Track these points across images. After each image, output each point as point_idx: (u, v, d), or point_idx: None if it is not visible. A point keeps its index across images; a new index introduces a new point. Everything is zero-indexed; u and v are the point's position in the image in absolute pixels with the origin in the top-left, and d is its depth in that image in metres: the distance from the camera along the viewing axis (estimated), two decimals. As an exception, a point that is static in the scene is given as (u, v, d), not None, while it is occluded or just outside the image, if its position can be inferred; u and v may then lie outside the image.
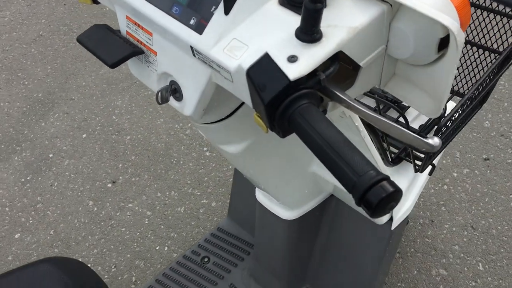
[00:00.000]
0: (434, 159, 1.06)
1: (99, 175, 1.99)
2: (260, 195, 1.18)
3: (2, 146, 2.15)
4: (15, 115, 2.27)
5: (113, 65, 0.69)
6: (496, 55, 1.07)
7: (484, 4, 1.04)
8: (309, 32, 0.56)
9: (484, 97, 1.03)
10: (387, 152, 1.07)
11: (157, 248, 1.73)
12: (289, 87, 0.54)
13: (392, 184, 0.47)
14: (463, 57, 1.13)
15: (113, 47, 0.72)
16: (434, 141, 0.60)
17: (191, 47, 0.64)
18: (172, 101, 0.74)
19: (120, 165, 2.02)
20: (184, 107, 0.72)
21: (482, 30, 1.06)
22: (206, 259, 1.40)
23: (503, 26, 1.03)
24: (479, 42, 1.09)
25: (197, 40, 0.63)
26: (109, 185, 1.95)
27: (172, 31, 0.67)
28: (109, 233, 1.79)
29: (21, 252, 1.76)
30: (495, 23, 1.05)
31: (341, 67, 0.62)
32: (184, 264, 1.43)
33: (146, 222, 1.81)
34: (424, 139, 0.60)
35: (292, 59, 0.55)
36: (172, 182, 1.94)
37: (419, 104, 0.69)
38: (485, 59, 1.09)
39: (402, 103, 1.19)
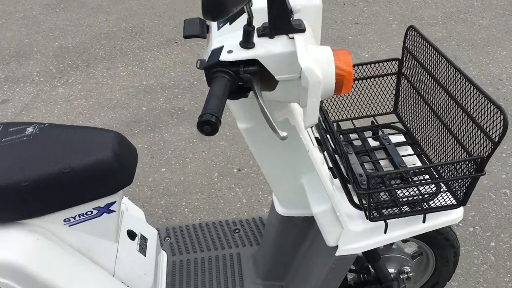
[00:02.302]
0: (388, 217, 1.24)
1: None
2: None
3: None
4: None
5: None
6: None
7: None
8: (244, 42, 0.97)
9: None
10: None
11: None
12: (217, 63, 0.97)
13: (205, 117, 0.86)
14: None
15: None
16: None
17: None
18: None
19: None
20: None
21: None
22: (237, 230, 1.80)
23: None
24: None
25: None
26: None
27: None
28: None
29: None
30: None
31: (268, 74, 1.00)
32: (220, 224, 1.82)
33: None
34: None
35: (229, 52, 0.97)
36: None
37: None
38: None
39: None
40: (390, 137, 1.57)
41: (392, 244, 1.61)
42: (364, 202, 1.24)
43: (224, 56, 0.96)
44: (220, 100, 0.90)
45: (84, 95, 3.20)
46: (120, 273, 1.40)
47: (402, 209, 1.28)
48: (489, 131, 1.14)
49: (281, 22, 0.97)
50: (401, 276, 1.61)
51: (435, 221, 1.33)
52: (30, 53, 3.78)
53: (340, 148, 1.23)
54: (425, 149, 1.44)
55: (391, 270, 1.61)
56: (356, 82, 1.61)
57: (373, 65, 1.57)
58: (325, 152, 1.35)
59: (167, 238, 1.78)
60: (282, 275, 1.57)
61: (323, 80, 0.93)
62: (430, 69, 1.38)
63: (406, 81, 1.53)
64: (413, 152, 1.47)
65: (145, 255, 1.50)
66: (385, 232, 1.30)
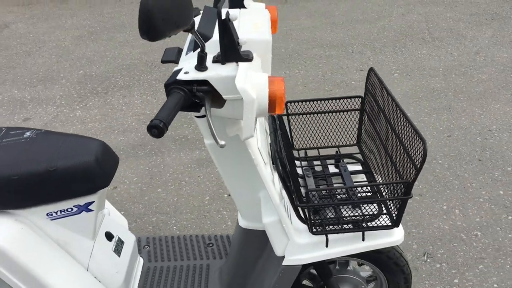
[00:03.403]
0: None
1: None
2: None
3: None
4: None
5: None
6: None
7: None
8: (198, 65, 1.17)
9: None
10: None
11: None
12: (174, 81, 1.17)
13: (154, 122, 1.05)
14: None
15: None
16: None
17: None
18: None
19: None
20: None
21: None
22: (211, 244, 1.95)
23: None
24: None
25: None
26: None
27: None
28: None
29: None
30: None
31: (218, 94, 1.19)
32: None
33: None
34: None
35: (185, 73, 1.17)
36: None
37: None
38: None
39: None
40: (349, 165, 1.73)
41: (347, 265, 1.74)
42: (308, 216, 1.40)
43: (181, 76, 1.16)
44: (171, 110, 1.09)
45: (99, 119, 3.46)
46: (94, 268, 1.57)
47: (344, 226, 1.43)
48: (415, 159, 1.30)
49: (231, 51, 1.17)
50: (353, 297, 1.73)
51: (375, 241, 1.47)
52: (57, 78, 4.10)
53: (286, 166, 1.39)
54: (375, 176, 1.61)
55: (345, 291, 1.73)
56: (323, 114, 1.79)
57: (341, 100, 1.75)
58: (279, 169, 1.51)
59: (146, 246, 1.94)
60: (243, 285, 1.71)
61: (257, 100, 1.12)
62: (382, 107, 1.55)
63: (367, 116, 1.71)
64: (365, 179, 1.63)
65: (119, 256, 1.67)
66: (326, 246, 1.45)
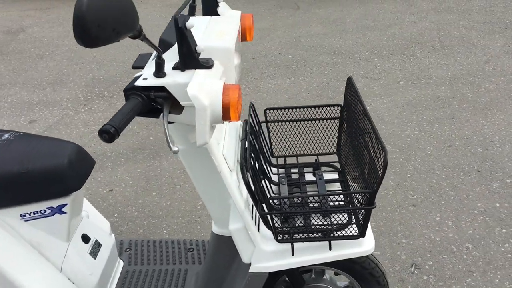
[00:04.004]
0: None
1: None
2: None
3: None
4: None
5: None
6: None
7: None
8: (156, 72, 1.19)
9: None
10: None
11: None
12: (133, 87, 1.18)
13: (105, 127, 1.06)
14: None
15: None
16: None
17: None
18: None
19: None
20: None
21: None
22: (192, 249, 1.96)
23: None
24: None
25: None
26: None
27: None
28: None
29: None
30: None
31: (176, 100, 1.20)
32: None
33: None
34: None
35: (144, 79, 1.19)
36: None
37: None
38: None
39: None
40: (327, 174, 1.72)
41: (323, 274, 1.73)
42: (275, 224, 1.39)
43: (139, 82, 1.18)
44: (125, 115, 1.11)
45: (102, 122, 3.51)
46: (67, 270, 1.60)
47: (312, 235, 1.42)
48: (378, 169, 1.28)
49: (189, 59, 1.18)
50: (328, 307, 1.71)
51: (342, 251, 1.46)
52: (66, 81, 4.18)
53: (251, 173, 1.38)
54: (350, 185, 1.59)
55: (320, 300, 1.72)
56: (303, 122, 1.78)
57: (321, 108, 1.75)
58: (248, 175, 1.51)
59: (127, 250, 1.96)
60: (217, 293, 1.72)
61: (210, 107, 1.13)
62: (356, 116, 1.54)
63: (345, 125, 1.70)
64: (340, 188, 1.62)
65: (95, 258, 1.69)
66: (292, 255, 1.44)
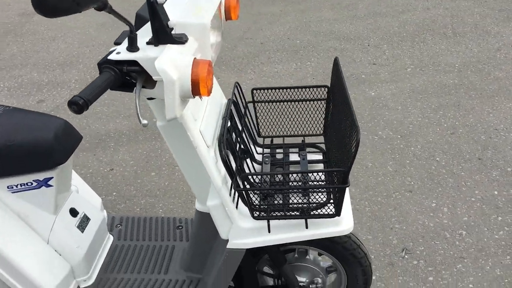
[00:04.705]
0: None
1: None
2: None
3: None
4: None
5: None
6: None
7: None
8: (129, 46, 1.20)
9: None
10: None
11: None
12: (106, 61, 1.20)
13: (74, 99, 1.08)
14: None
15: None
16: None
17: None
18: None
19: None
20: None
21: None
22: (180, 227, 1.99)
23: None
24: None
25: None
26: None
27: None
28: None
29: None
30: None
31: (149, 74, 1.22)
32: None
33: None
34: None
35: (117, 53, 1.20)
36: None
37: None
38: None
39: None
40: (311, 155, 1.72)
41: (306, 254, 1.74)
42: (253, 200, 1.41)
43: (112, 56, 1.19)
44: (95, 88, 1.13)
45: (107, 103, 3.56)
46: (54, 242, 1.64)
47: (287, 213, 1.43)
48: (352, 148, 1.28)
49: (162, 34, 1.19)
50: (310, 286, 1.73)
51: (319, 230, 1.46)
52: (75, 63, 4.23)
53: (225, 149, 1.38)
54: (333, 166, 1.59)
55: (302, 279, 1.73)
56: (290, 103, 1.79)
57: (309, 89, 1.75)
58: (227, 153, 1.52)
59: (118, 225, 2.00)
60: (201, 268, 1.74)
61: (179, 81, 1.14)
62: (339, 97, 1.54)
63: (332, 106, 1.69)
64: (322, 168, 1.62)
65: (82, 232, 1.73)
66: (269, 232, 1.45)
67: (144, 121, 1.17)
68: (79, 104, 1.09)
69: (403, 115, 3.23)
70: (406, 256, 2.16)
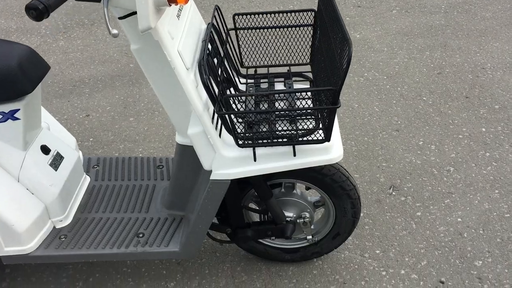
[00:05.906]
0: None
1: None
2: None
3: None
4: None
5: None
6: None
7: None
8: None
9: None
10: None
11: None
12: None
13: (33, 3, 0.96)
14: None
15: None
16: None
17: None
18: None
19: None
20: None
21: None
22: (161, 166, 1.90)
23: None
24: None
25: None
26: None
27: None
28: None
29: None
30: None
31: None
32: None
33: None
34: None
35: None
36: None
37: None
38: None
39: None
40: (298, 84, 1.63)
41: (293, 188, 1.67)
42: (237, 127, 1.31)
43: None
44: None
45: (81, 49, 3.39)
46: (25, 180, 1.54)
47: (274, 141, 1.35)
48: (344, 64, 1.19)
49: None
50: (298, 221, 1.67)
51: (307, 159, 1.39)
52: (46, 10, 4.00)
53: (206, 73, 1.28)
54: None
55: (290, 214, 1.67)
56: (275, 30, 1.68)
57: (294, 14, 1.63)
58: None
59: (95, 166, 1.90)
60: (183, 206, 1.66)
61: None
62: (327, 20, 1.43)
63: (319, 33, 1.59)
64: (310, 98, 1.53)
65: (56, 170, 1.62)
66: (255, 161, 1.37)
67: (114, 31, 1.06)
68: (38, 9, 0.97)
69: (389, 56, 3.14)
70: (393, 193, 2.12)
